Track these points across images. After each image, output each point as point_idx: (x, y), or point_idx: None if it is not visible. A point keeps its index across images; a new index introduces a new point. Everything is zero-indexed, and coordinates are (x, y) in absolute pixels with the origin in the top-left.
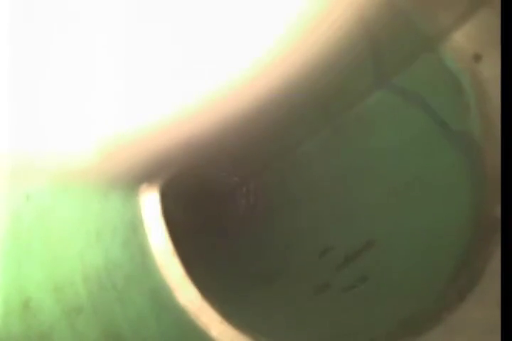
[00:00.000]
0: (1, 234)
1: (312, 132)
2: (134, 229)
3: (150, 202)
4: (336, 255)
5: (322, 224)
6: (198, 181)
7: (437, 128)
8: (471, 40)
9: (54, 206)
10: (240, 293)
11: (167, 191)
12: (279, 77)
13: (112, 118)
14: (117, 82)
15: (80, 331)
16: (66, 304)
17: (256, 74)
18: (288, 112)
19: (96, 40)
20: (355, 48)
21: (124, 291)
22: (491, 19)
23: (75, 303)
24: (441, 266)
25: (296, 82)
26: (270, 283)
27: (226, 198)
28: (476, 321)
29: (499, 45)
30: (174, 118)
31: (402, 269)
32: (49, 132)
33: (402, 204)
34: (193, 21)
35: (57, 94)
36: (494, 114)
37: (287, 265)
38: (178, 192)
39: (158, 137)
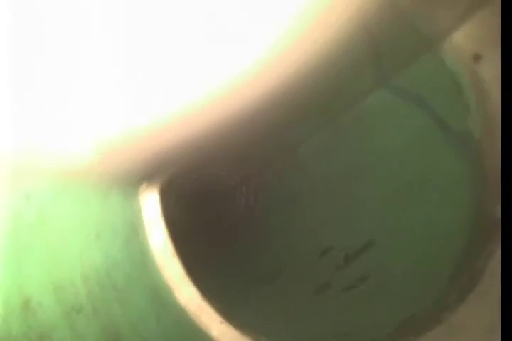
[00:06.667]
0: (1, 234)
1: (312, 132)
2: (134, 229)
3: (150, 202)
4: (336, 255)
5: (322, 223)
6: (198, 181)
7: (437, 128)
8: (471, 40)
9: (54, 206)
10: (240, 293)
11: (167, 191)
12: (278, 76)
13: (111, 117)
14: (117, 81)
15: (80, 331)
16: (66, 304)
17: (255, 74)
18: (288, 112)
19: (96, 42)
20: (355, 48)
21: (124, 291)
22: (491, 19)
23: (75, 303)
24: (441, 265)
25: (296, 82)
26: (270, 282)
27: (226, 198)
28: (476, 321)
29: (499, 45)
30: (174, 117)
31: (403, 269)
32: (49, 132)
33: (402, 204)
34: (193, 19)
35: (57, 94)
36: (494, 114)
37: (287, 265)
38: (178, 192)
39: (158, 137)
